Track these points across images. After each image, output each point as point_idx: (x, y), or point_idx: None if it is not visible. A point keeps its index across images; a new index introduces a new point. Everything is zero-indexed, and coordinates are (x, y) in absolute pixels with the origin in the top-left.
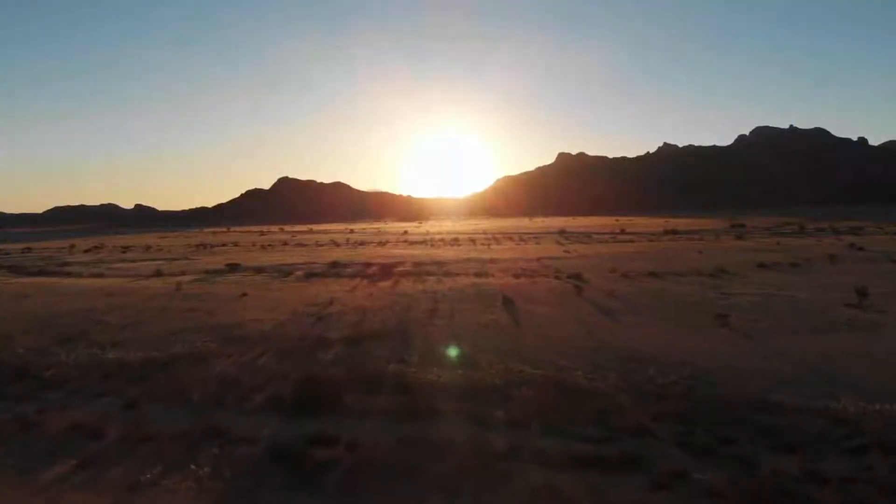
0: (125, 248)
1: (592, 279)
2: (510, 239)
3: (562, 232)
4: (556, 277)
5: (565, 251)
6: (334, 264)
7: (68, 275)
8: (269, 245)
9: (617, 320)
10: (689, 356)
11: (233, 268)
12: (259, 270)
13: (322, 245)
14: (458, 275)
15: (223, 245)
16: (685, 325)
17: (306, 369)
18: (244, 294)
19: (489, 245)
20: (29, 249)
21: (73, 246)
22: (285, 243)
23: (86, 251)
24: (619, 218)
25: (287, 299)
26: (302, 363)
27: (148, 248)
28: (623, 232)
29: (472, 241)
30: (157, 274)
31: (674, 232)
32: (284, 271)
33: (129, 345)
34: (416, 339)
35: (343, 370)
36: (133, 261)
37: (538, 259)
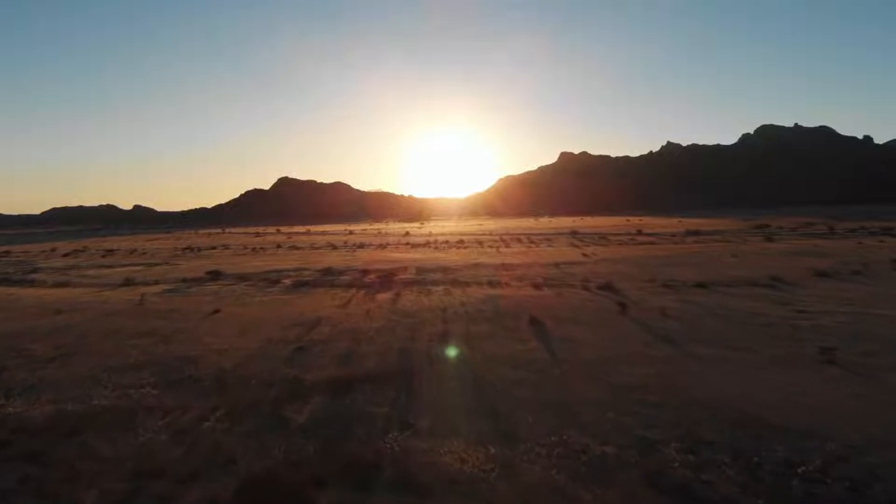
0: (108, 252)
1: (630, 291)
2: (519, 241)
3: (574, 233)
4: (585, 288)
5: (584, 255)
6: (328, 271)
7: (31, 284)
8: (261, 248)
9: (688, 353)
10: (816, 417)
11: (213, 276)
12: (242, 279)
13: (318, 248)
14: (468, 284)
15: (213, 248)
16: (780, 362)
17: (264, 448)
18: (216, 311)
19: (498, 248)
20: (7, 253)
21: (54, 249)
22: (279, 246)
23: (65, 255)
24: (629, 218)
25: (265, 318)
26: (262, 430)
27: (133, 251)
28: (640, 233)
29: (479, 242)
30: (127, 283)
31: (696, 233)
32: (271, 280)
33: (46, 389)
34: (424, 385)
35: (318, 448)
36: (110, 266)
37: (556, 264)
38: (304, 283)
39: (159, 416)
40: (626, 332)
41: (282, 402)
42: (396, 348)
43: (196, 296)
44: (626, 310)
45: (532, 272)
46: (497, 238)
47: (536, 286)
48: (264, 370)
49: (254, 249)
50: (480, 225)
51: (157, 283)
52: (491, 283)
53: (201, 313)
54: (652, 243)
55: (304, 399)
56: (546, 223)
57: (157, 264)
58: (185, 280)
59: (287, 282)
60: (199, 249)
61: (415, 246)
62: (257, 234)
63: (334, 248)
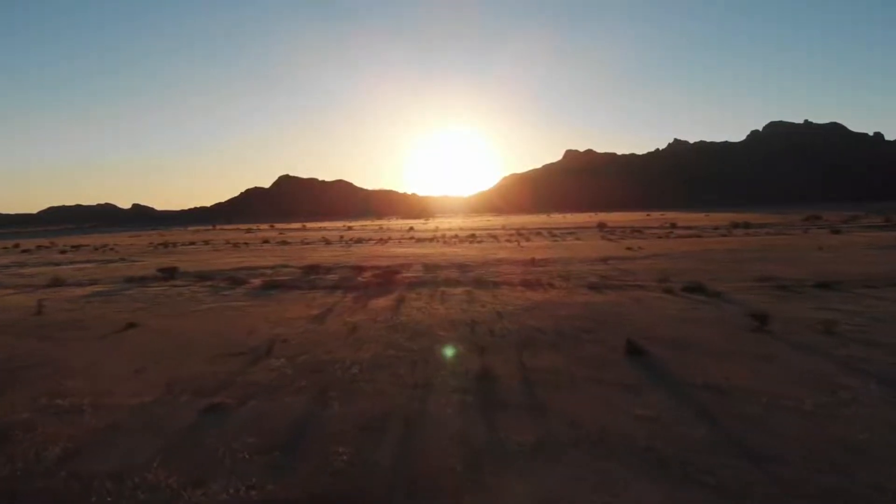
0: (72, 248)
1: (735, 294)
2: (539, 235)
3: (602, 226)
4: (667, 291)
5: (628, 249)
6: (312, 268)
7: None
8: (245, 244)
9: None
10: None
11: (167, 274)
12: (202, 278)
13: (309, 244)
14: (496, 285)
15: (191, 244)
16: None
17: None
18: (130, 326)
19: (518, 242)
20: None
21: (16, 245)
22: (266, 241)
23: (23, 251)
24: (649, 213)
25: (192, 340)
26: None
27: (101, 247)
28: (675, 226)
29: (494, 237)
30: (55, 283)
31: (747, 226)
32: (236, 279)
33: None
34: None
35: None
36: (58, 264)
37: (604, 260)
38: (276, 285)
39: None
40: (810, 371)
41: None
42: (398, 412)
43: (124, 301)
44: (769, 325)
45: (576, 269)
46: (513, 232)
47: (594, 287)
48: (116, 472)
49: (236, 245)
50: (488, 221)
51: (93, 283)
52: (528, 284)
53: (107, 329)
54: (698, 237)
55: None
56: (560, 219)
57: (114, 261)
58: (130, 280)
59: (256, 282)
60: (175, 245)
61: (420, 241)
62: (248, 231)
63: (328, 243)
